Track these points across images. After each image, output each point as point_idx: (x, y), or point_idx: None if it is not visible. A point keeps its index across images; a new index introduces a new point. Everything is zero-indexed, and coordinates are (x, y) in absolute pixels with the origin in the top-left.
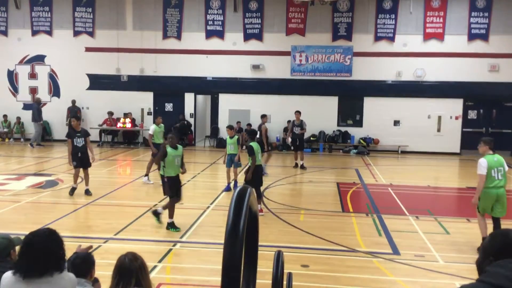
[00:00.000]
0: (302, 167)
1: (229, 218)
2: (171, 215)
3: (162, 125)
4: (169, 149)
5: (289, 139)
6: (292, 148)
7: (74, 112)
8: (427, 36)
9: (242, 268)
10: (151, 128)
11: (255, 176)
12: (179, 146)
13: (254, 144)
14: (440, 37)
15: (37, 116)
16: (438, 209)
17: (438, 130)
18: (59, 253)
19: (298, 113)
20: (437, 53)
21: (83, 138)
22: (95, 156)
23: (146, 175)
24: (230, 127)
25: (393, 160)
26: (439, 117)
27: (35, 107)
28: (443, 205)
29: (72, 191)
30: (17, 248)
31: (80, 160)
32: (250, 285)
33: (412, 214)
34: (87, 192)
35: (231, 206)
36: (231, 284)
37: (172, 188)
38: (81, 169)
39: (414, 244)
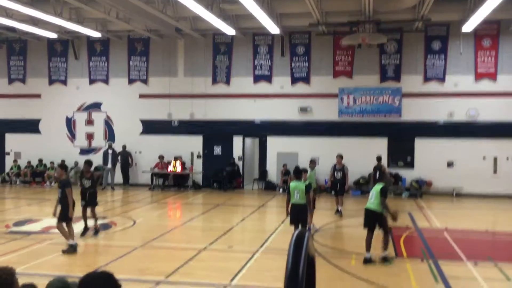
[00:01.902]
0: (338, 211)
1: (288, 263)
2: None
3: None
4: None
5: (329, 183)
6: (332, 192)
7: (125, 157)
8: (479, 76)
9: None
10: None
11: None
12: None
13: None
14: (492, 76)
15: (108, 161)
16: (498, 255)
17: (495, 172)
18: None
19: (339, 157)
20: (490, 93)
21: (60, 190)
22: (59, 211)
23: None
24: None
25: (447, 203)
26: (495, 158)
27: (106, 152)
28: (504, 250)
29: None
30: None
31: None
32: None
33: (470, 260)
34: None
35: (290, 251)
36: None
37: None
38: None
39: None
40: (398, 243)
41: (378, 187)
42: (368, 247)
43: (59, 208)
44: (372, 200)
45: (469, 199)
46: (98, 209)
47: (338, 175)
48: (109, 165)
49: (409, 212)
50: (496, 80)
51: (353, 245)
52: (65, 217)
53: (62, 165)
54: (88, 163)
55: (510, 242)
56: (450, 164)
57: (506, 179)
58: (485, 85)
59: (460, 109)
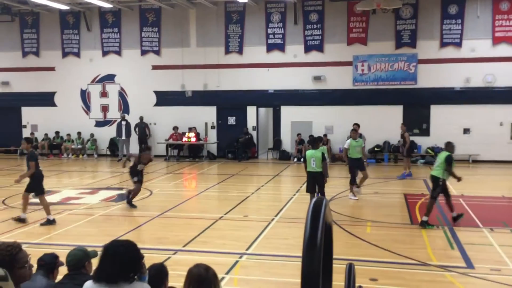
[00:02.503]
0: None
1: (306, 230)
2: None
3: (360, 139)
4: None
5: (345, 157)
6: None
7: (142, 128)
8: (496, 40)
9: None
10: (346, 142)
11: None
12: None
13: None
14: (510, 40)
15: (121, 132)
16: None
17: (511, 138)
18: (139, 263)
19: (356, 126)
20: (507, 57)
21: (26, 162)
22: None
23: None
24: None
25: (463, 170)
26: None
27: (119, 123)
28: None
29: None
30: (93, 261)
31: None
32: None
33: (486, 226)
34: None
35: (308, 218)
36: None
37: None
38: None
39: (489, 257)
40: (413, 210)
41: (443, 155)
42: (429, 212)
43: (28, 180)
44: (436, 166)
45: (486, 166)
46: (114, 180)
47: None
48: (124, 137)
49: (424, 180)
50: None
51: (368, 213)
52: (31, 189)
53: (27, 138)
54: (27, 140)
55: None
56: (466, 131)
57: None
58: (503, 50)
59: (476, 74)
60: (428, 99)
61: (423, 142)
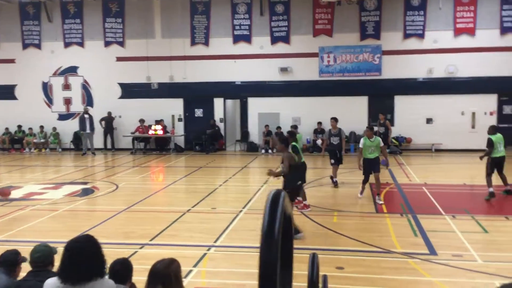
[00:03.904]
0: (334, 182)
1: (265, 221)
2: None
3: (378, 138)
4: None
5: (324, 152)
6: (332, 162)
7: (109, 122)
8: (457, 32)
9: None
10: (361, 141)
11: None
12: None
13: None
14: (471, 32)
15: (85, 126)
16: (475, 208)
17: (473, 127)
18: (99, 259)
19: (334, 120)
20: (468, 48)
21: None
22: None
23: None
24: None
25: (427, 159)
26: (473, 114)
27: (82, 117)
28: (480, 203)
29: None
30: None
31: None
32: (287, 287)
33: (448, 213)
34: None
35: (266, 209)
36: (269, 286)
37: None
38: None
39: (451, 244)
40: None
41: (500, 136)
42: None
43: None
44: (502, 148)
45: (448, 154)
46: (78, 175)
47: (335, 140)
48: (88, 130)
49: (389, 169)
50: (474, 35)
51: (335, 203)
52: None
53: None
54: None
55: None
56: (429, 121)
57: (484, 133)
58: (464, 41)
59: (439, 65)
60: (392, 89)
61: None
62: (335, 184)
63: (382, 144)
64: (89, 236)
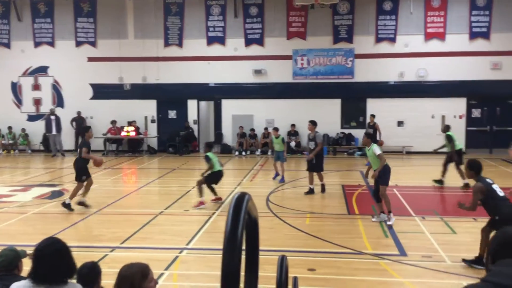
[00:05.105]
0: (311, 190)
1: (227, 225)
2: None
3: (374, 145)
4: None
5: (309, 158)
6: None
7: (79, 123)
8: (428, 36)
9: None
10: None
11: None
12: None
13: (210, 154)
14: (441, 36)
15: (51, 127)
16: (444, 209)
17: (443, 130)
18: (67, 262)
19: (310, 123)
20: (439, 52)
21: None
22: None
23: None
24: (275, 129)
25: (398, 161)
26: (443, 117)
27: (48, 118)
28: (450, 205)
29: None
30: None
31: None
32: None
33: (418, 214)
34: None
35: (229, 213)
36: None
37: None
38: None
39: (421, 245)
40: (350, 201)
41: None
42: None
43: None
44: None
45: (418, 157)
46: (48, 177)
47: (311, 144)
48: (54, 132)
49: (361, 171)
50: (444, 40)
51: (307, 205)
52: None
53: None
54: None
55: (455, 197)
56: (400, 123)
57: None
58: (434, 45)
59: (410, 69)
60: (364, 92)
61: (360, 135)
62: (310, 192)
63: (377, 153)
64: (57, 239)
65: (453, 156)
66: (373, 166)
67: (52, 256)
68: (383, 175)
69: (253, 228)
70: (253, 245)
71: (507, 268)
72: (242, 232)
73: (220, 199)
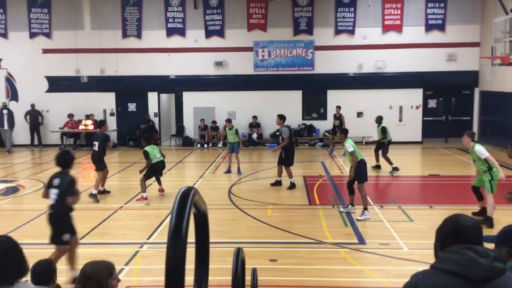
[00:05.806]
0: (278, 182)
1: (172, 220)
2: None
3: (349, 140)
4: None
5: (273, 151)
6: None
7: (34, 116)
8: (386, 28)
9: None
10: (348, 144)
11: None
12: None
13: (148, 148)
14: (398, 28)
15: (3, 122)
16: (401, 198)
17: (400, 120)
18: (17, 261)
19: (278, 117)
20: (396, 44)
21: None
22: None
23: None
24: (228, 120)
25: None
26: (400, 107)
27: (0, 112)
28: (407, 193)
29: None
30: None
31: None
32: (202, 284)
33: (376, 203)
34: None
35: (174, 208)
36: (176, 285)
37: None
38: None
39: (379, 233)
40: (311, 191)
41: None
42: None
43: None
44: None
45: None
46: (2, 173)
47: (281, 139)
48: (6, 127)
49: (322, 161)
50: (401, 32)
51: (269, 196)
52: None
53: None
54: None
55: (412, 185)
56: (359, 114)
57: (410, 126)
58: (392, 37)
59: (368, 61)
60: (324, 84)
61: (320, 126)
62: (276, 183)
63: (350, 150)
64: (6, 237)
65: (382, 145)
66: (349, 162)
67: (2, 255)
68: (358, 172)
69: (203, 222)
70: (203, 238)
71: (454, 255)
72: (187, 227)
73: (162, 190)
